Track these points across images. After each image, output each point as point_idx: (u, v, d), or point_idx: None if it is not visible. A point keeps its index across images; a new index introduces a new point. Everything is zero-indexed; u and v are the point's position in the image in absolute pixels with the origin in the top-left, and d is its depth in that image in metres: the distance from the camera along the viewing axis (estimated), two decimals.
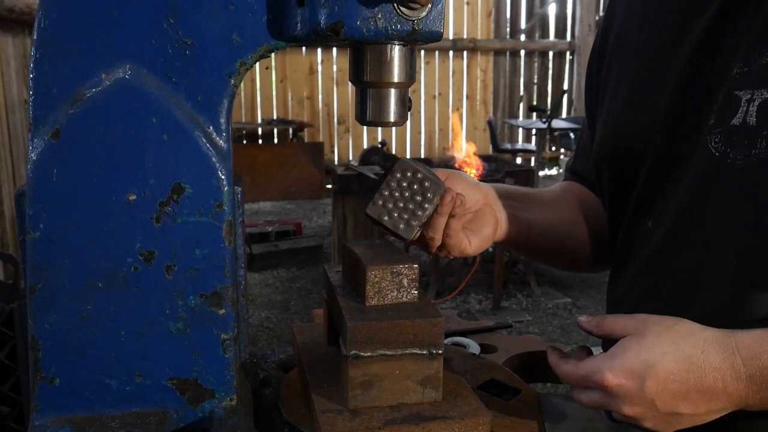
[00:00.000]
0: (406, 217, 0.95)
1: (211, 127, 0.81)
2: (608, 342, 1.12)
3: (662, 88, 1.00)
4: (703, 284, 0.94)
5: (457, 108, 10.34)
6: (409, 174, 0.95)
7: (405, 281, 0.91)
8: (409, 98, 0.92)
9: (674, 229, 0.98)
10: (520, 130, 10.32)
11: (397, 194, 0.95)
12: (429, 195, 0.95)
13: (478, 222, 1.06)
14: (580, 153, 1.32)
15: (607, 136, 1.12)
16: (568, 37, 11.01)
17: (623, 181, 1.08)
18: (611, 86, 1.14)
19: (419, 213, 0.95)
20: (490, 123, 8.97)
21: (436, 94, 10.44)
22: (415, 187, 0.95)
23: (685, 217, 0.96)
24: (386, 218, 0.95)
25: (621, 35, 1.14)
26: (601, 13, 11.23)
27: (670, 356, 0.81)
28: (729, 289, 0.91)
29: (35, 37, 0.77)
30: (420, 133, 10.39)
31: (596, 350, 0.94)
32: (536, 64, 10.96)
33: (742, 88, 0.87)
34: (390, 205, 0.95)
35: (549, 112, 6.70)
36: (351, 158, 9.83)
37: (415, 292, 0.91)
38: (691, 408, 0.81)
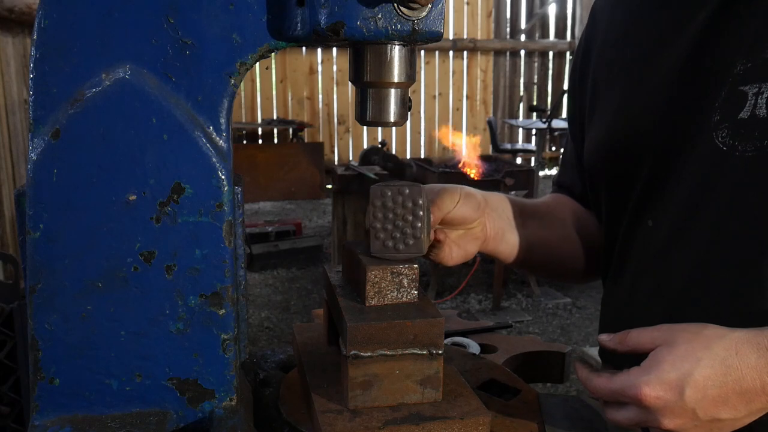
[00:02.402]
0: (408, 231, 0.93)
1: (211, 127, 0.81)
2: (606, 353, 1.13)
3: (660, 89, 1.00)
4: (709, 279, 0.94)
5: (446, 124, 10.32)
6: (389, 193, 0.93)
7: (405, 281, 0.91)
8: (409, 98, 0.92)
9: (678, 226, 0.98)
10: (520, 130, 10.32)
11: (387, 219, 0.93)
12: (413, 202, 0.93)
13: (466, 237, 1.06)
14: (566, 166, 1.32)
15: (602, 140, 1.12)
16: (568, 37, 11.01)
17: (621, 184, 1.08)
18: (601, 93, 1.14)
19: (418, 224, 0.93)
20: (490, 123, 8.97)
21: (436, 94, 10.44)
22: (398, 202, 0.93)
23: (690, 213, 0.96)
24: (391, 245, 0.92)
25: (606, 43, 1.15)
26: None
27: (705, 362, 0.79)
28: (738, 280, 0.91)
29: (35, 37, 0.77)
30: (420, 133, 10.39)
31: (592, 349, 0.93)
32: (536, 64, 10.96)
33: (748, 83, 0.87)
34: (390, 233, 0.93)
35: (549, 112, 6.70)
36: (351, 158, 9.84)
37: (415, 292, 0.91)
38: (731, 412, 0.80)
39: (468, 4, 10.37)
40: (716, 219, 0.93)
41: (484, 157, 5.96)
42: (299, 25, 0.80)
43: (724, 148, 0.90)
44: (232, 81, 0.81)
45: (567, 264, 1.24)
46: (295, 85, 9.85)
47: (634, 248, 1.07)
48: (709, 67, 0.93)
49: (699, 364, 0.79)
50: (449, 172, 5.27)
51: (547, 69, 10.99)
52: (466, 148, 5.72)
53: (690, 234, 0.97)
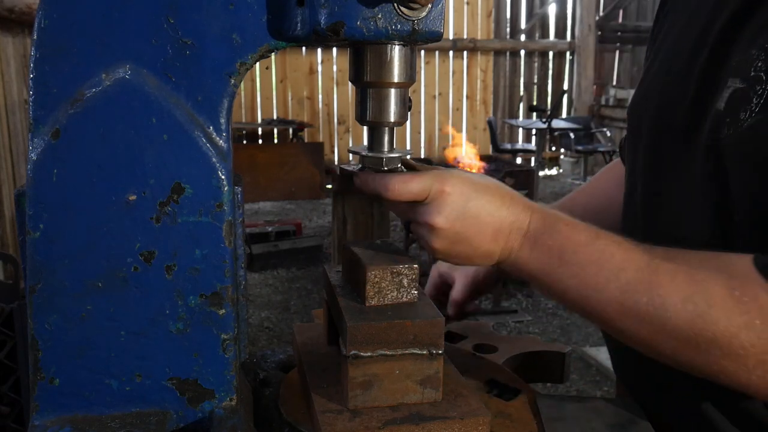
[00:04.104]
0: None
1: (211, 127, 0.81)
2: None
3: (685, 61, 0.99)
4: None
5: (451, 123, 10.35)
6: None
7: (405, 281, 0.91)
8: (409, 98, 0.92)
9: (654, 191, 1.02)
10: (520, 130, 10.33)
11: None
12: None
13: None
14: None
15: (637, 91, 1.14)
16: (568, 37, 11.02)
17: (631, 144, 1.11)
18: (656, 45, 1.14)
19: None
20: (490, 123, 8.98)
21: (436, 94, 10.44)
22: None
23: (658, 188, 1.00)
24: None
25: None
26: (601, 13, 11.24)
27: (491, 193, 0.88)
28: None
29: (35, 37, 0.77)
30: (420, 133, 10.40)
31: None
32: (536, 64, 10.97)
33: (732, 76, 0.87)
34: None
35: (549, 112, 6.70)
36: (351, 158, 9.84)
37: (415, 292, 0.91)
38: (480, 242, 0.87)
39: (468, 4, 10.37)
40: (678, 200, 0.96)
41: (484, 157, 5.97)
42: (299, 25, 0.80)
43: (711, 135, 0.90)
44: (232, 81, 0.81)
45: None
46: (295, 85, 9.85)
47: (631, 216, 1.09)
48: (726, 52, 0.92)
49: (486, 192, 0.88)
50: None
51: (547, 69, 10.99)
52: (466, 152, 5.72)
53: (663, 215, 0.99)
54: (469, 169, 5.37)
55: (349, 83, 0.93)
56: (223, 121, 0.82)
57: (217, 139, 0.81)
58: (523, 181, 5.24)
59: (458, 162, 5.53)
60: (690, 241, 0.92)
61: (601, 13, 11.24)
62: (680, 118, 0.96)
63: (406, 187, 0.87)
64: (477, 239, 0.87)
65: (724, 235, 0.89)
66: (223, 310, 0.82)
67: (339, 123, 10.03)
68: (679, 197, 0.96)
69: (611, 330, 0.85)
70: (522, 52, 10.83)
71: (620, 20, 11.47)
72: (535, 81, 11.02)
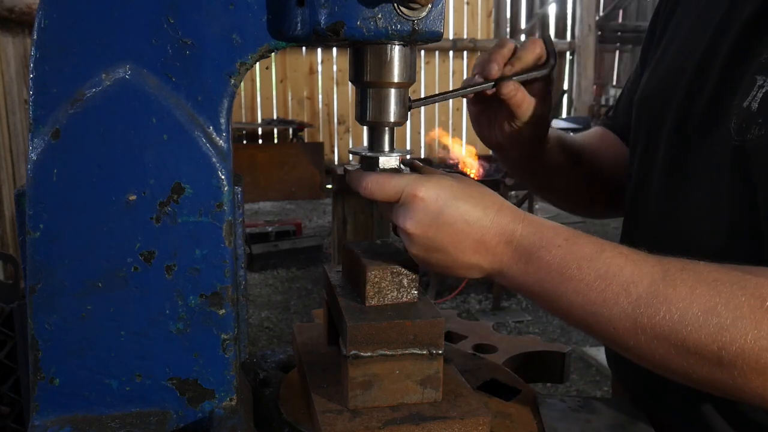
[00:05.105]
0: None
1: (211, 127, 0.81)
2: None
3: (703, 55, 0.98)
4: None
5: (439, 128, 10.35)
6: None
7: (405, 281, 0.91)
8: (410, 98, 0.92)
9: (672, 193, 1.01)
10: None
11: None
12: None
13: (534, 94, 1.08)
14: (623, 96, 1.33)
15: (648, 82, 1.13)
16: (568, 37, 11.02)
17: (645, 137, 1.10)
18: (667, 35, 1.13)
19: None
20: None
21: None
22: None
23: (674, 183, 0.99)
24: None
25: None
26: (601, 13, 11.25)
27: (472, 202, 0.84)
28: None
29: (35, 37, 0.77)
30: (420, 133, 10.40)
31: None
32: None
33: (761, 74, 0.86)
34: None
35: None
36: (351, 158, 9.84)
37: (415, 292, 0.91)
38: (458, 253, 0.84)
39: (468, 4, 10.37)
40: (698, 194, 0.95)
41: (484, 157, 5.96)
42: (299, 25, 0.80)
43: (732, 133, 0.89)
44: (232, 81, 0.81)
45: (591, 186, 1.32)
46: (295, 85, 9.85)
47: (637, 211, 1.08)
48: (753, 49, 0.91)
49: (467, 201, 0.84)
50: (449, 171, 5.26)
51: None
52: (462, 154, 5.71)
53: (677, 210, 0.98)
54: (468, 170, 5.37)
55: (349, 83, 0.93)
56: (223, 121, 0.82)
57: (217, 139, 0.81)
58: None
59: (454, 162, 5.52)
60: (708, 241, 0.91)
61: (601, 13, 11.25)
62: (700, 113, 0.95)
63: (379, 186, 0.86)
64: (454, 249, 0.84)
65: (745, 235, 0.87)
66: (223, 310, 0.82)
67: (339, 123, 10.03)
68: (701, 194, 0.94)
69: (620, 347, 0.81)
70: None
71: (620, 20, 11.47)
72: None
